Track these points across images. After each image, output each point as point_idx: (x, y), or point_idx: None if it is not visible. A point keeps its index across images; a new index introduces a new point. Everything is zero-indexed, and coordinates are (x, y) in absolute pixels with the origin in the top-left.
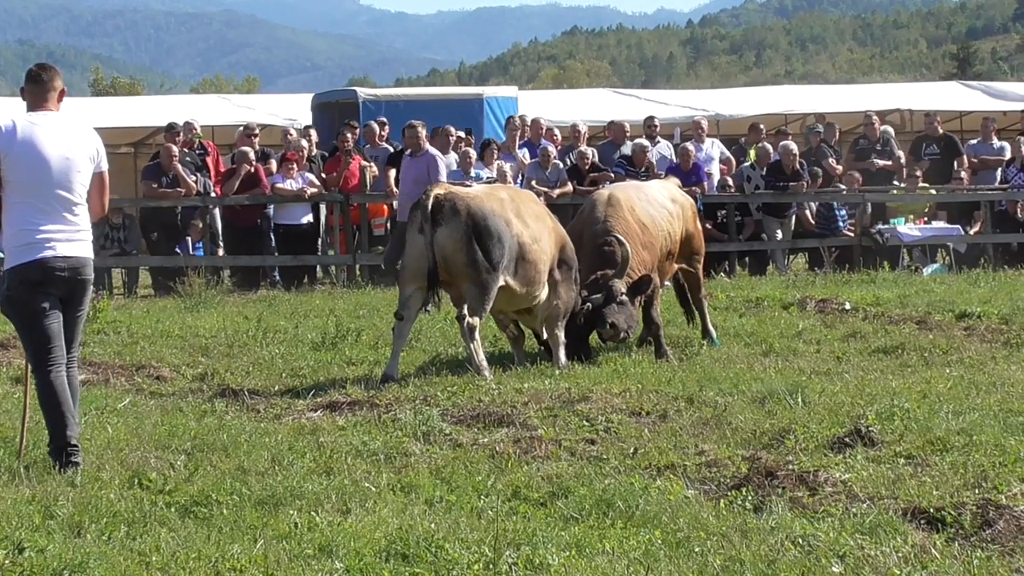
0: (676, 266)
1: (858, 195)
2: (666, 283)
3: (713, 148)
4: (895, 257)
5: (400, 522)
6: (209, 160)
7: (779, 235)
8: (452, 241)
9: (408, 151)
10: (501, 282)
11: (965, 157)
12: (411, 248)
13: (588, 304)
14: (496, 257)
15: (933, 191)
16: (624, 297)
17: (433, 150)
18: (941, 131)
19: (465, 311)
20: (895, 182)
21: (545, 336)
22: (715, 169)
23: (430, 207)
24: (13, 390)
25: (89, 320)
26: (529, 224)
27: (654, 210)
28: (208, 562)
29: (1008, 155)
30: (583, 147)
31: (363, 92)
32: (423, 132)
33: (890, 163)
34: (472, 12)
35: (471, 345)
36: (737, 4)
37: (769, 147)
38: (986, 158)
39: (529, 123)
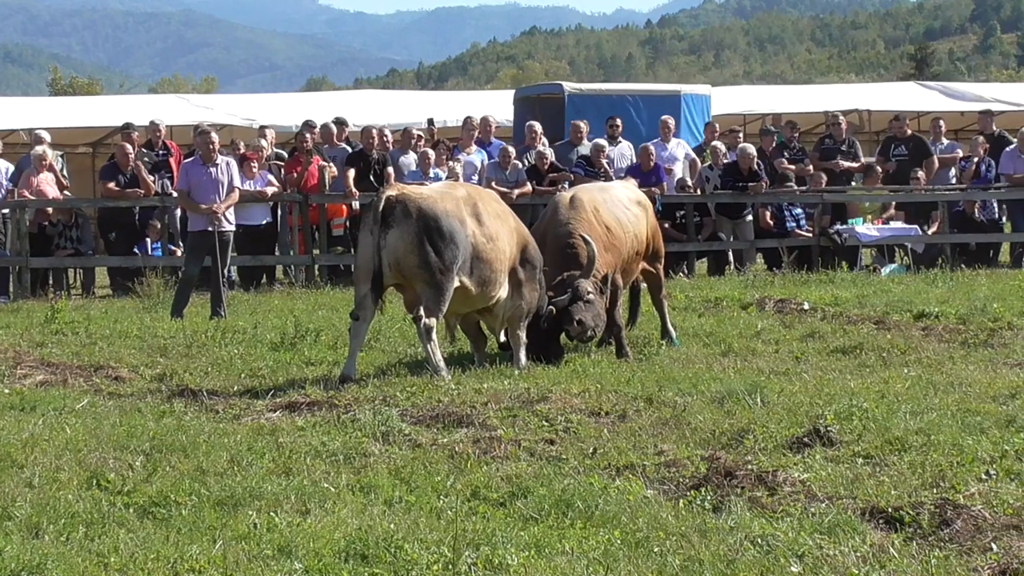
0: (643, 265)
1: (816, 195)
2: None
3: (678, 148)
4: (853, 257)
5: (359, 522)
6: (172, 160)
7: (723, 236)
8: (404, 243)
9: (202, 159)
10: (456, 283)
11: (935, 159)
12: (363, 249)
13: (552, 307)
14: (449, 258)
15: (887, 191)
16: (591, 296)
17: (230, 160)
18: (909, 132)
19: (421, 312)
20: (853, 183)
21: (504, 337)
22: (679, 169)
23: (381, 208)
24: None
25: (47, 320)
26: (486, 223)
27: (620, 211)
28: (167, 563)
29: (960, 153)
30: (541, 147)
31: (569, 87)
32: (217, 140)
33: (856, 164)
34: (431, 12)
35: (428, 346)
36: (696, 4)
37: (720, 146)
38: (942, 157)
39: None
